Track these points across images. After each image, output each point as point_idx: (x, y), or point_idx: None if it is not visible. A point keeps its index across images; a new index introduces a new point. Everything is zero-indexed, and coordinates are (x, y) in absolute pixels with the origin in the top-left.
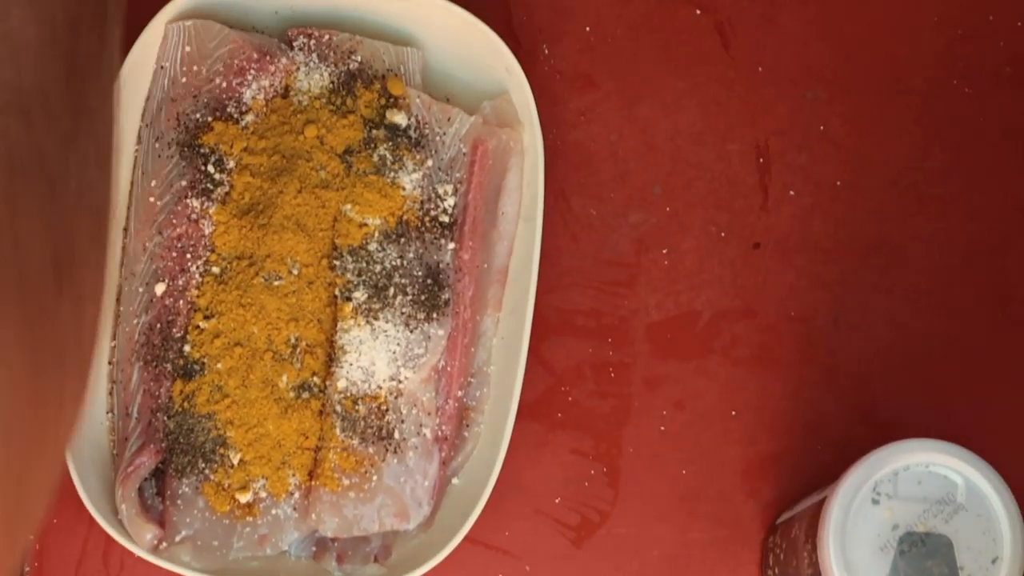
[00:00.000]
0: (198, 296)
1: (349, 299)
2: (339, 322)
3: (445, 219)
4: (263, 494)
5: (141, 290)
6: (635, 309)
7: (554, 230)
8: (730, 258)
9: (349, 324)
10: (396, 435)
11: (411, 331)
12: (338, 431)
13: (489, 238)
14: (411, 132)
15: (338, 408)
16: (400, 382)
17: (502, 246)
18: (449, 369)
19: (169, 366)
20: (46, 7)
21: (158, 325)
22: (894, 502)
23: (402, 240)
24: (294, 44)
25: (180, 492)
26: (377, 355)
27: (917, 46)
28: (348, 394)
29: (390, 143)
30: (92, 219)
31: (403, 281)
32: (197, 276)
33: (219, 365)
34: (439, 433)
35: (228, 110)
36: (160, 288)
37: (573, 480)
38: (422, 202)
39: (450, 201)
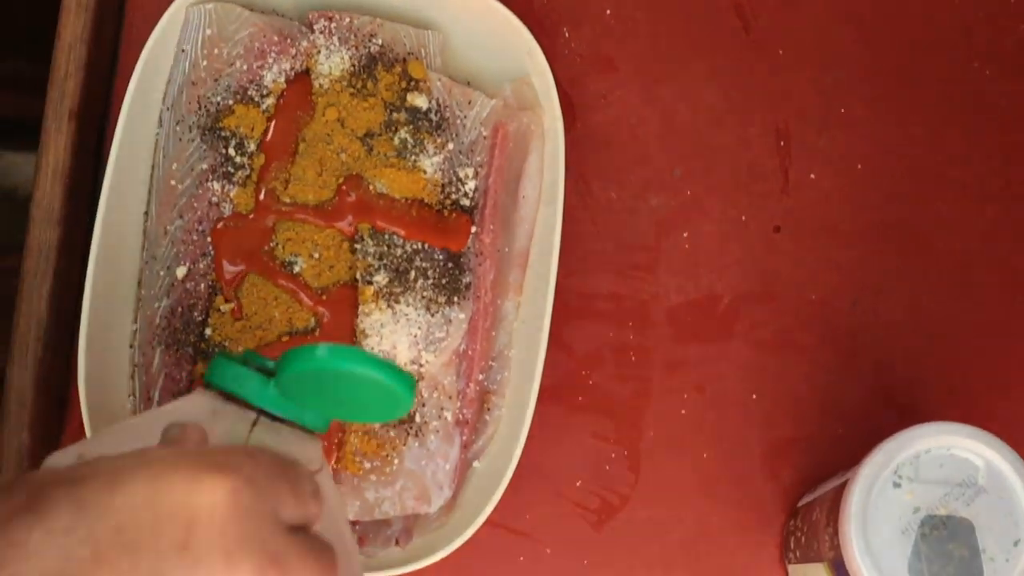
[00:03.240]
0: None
1: (370, 283)
2: (360, 306)
3: (466, 203)
4: None
5: (162, 274)
6: (655, 293)
7: (574, 214)
8: (750, 241)
9: (370, 308)
10: (417, 419)
11: (432, 315)
12: None
13: (510, 222)
14: (432, 115)
15: None
16: (421, 366)
17: (523, 229)
18: (470, 353)
19: (190, 350)
20: None
21: (179, 309)
22: (915, 485)
23: None
24: (315, 27)
25: None
26: (398, 339)
27: (937, 29)
28: None
29: (411, 126)
30: None
31: (424, 264)
32: None
33: (240, 349)
34: (460, 417)
35: (249, 93)
36: (181, 271)
37: (594, 463)
38: (443, 185)
39: (471, 184)
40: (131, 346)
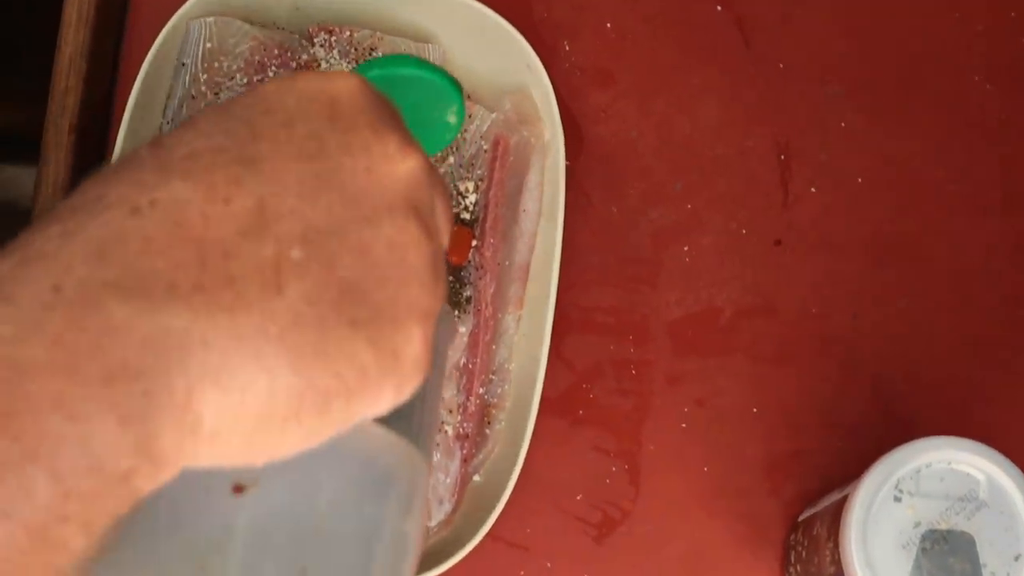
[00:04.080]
0: None
1: None
2: None
3: (466, 216)
4: None
5: None
6: (656, 306)
7: (575, 227)
8: (750, 255)
9: None
10: None
11: None
12: None
13: (510, 235)
14: None
15: None
16: None
17: (523, 243)
18: (471, 367)
19: None
20: None
21: None
22: (916, 499)
23: None
24: (315, 41)
25: None
26: None
27: (938, 42)
28: None
29: None
30: None
31: None
32: None
33: None
34: (461, 431)
35: None
36: None
37: (594, 477)
38: None
39: (471, 198)
40: None
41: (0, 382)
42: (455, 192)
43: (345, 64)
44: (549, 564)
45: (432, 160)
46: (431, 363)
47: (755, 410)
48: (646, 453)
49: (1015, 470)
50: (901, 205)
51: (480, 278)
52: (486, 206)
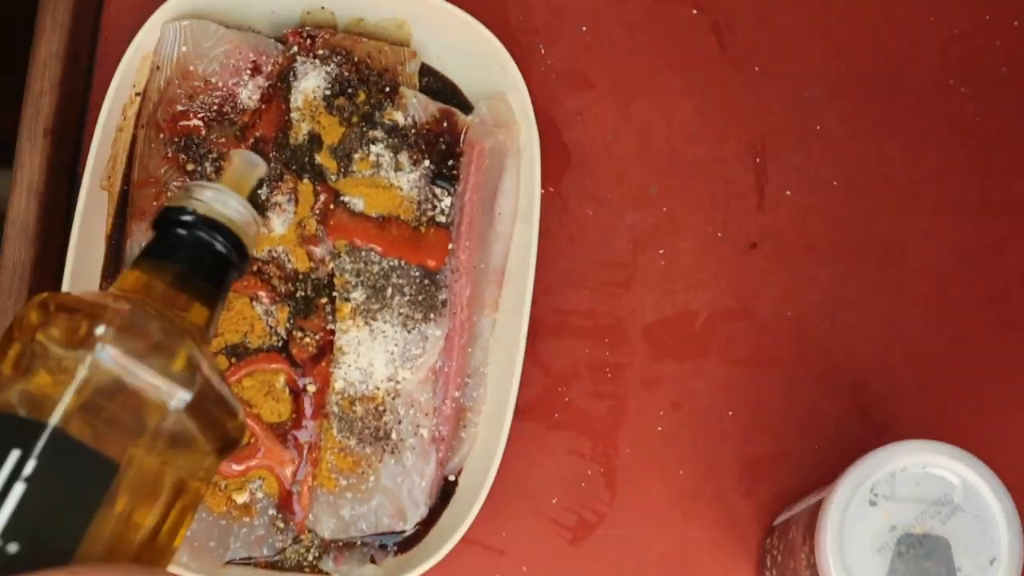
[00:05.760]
0: None
1: (348, 299)
2: (338, 323)
3: (442, 219)
4: (260, 495)
5: None
6: (632, 309)
7: (551, 230)
8: (726, 258)
9: (348, 325)
10: (393, 436)
11: (409, 331)
12: (335, 432)
13: (486, 239)
14: (408, 132)
15: (335, 409)
16: (398, 383)
17: (499, 246)
18: (446, 370)
19: None
20: None
21: None
22: (891, 503)
23: None
24: (291, 44)
25: None
26: (375, 356)
27: (914, 46)
28: (346, 395)
29: (387, 143)
30: None
31: (400, 281)
32: None
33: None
34: (436, 434)
35: (224, 110)
36: None
37: (570, 481)
38: (419, 202)
39: (447, 201)
40: None
41: None
42: (431, 195)
43: (321, 67)
44: (525, 568)
45: (408, 165)
46: None
47: (731, 413)
48: (622, 456)
49: (990, 474)
50: (877, 208)
51: (455, 281)
52: (461, 209)
